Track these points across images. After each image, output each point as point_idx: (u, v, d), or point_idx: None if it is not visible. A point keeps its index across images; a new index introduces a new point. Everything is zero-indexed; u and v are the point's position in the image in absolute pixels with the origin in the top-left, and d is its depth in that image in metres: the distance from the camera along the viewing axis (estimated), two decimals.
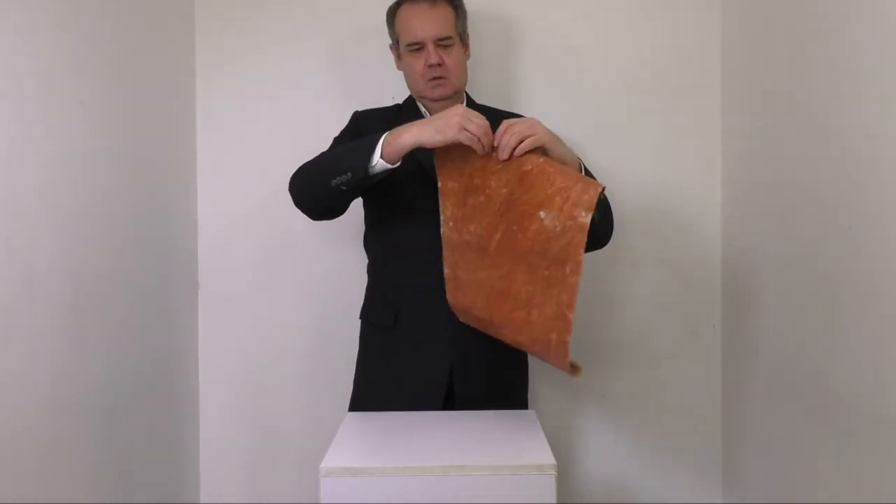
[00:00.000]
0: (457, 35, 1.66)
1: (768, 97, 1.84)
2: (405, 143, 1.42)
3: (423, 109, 1.71)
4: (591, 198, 1.37)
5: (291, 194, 1.60)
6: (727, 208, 2.09)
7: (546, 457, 1.25)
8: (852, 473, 1.48)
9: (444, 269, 1.52)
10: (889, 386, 1.35)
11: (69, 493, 1.51)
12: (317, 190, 1.52)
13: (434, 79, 1.64)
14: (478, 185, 1.45)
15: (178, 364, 2.06)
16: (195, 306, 2.15)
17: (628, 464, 2.15)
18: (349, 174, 1.44)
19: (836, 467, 1.54)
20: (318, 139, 1.79)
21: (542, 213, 1.39)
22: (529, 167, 1.42)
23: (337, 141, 1.71)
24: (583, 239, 1.34)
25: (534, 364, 2.06)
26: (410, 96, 1.74)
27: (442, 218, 1.50)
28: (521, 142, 1.41)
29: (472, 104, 1.74)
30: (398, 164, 1.44)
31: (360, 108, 1.77)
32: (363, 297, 1.78)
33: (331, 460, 1.26)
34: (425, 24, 1.61)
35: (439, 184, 1.49)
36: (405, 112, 1.70)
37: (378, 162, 1.42)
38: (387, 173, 1.45)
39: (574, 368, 1.44)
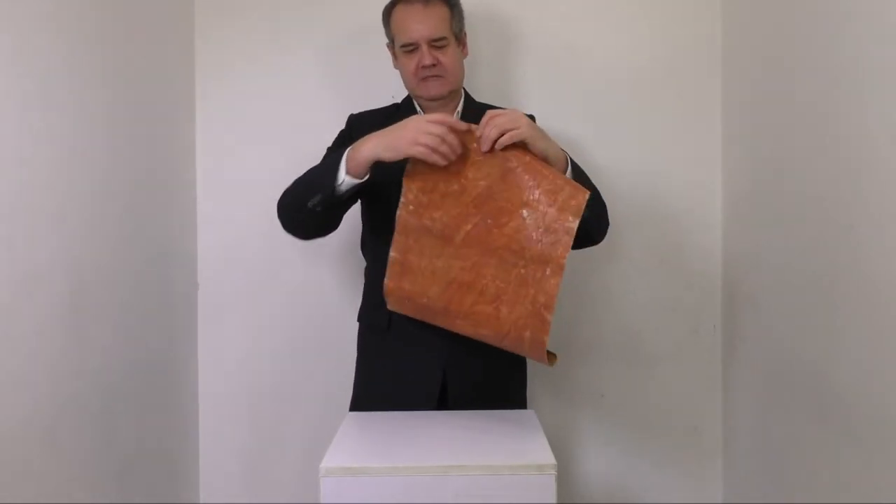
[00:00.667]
0: (452, 35, 1.64)
1: (769, 97, 1.84)
2: (364, 158, 1.42)
3: (419, 109, 1.71)
4: (580, 204, 1.39)
5: (280, 222, 1.61)
6: (727, 208, 2.09)
7: (546, 457, 1.25)
8: (852, 473, 1.48)
9: (389, 253, 1.47)
10: (889, 386, 1.35)
11: (68, 493, 1.51)
12: (297, 214, 1.54)
13: (427, 78, 1.63)
14: (452, 172, 1.43)
15: (178, 364, 2.06)
16: (194, 306, 2.14)
17: (628, 464, 2.15)
18: (320, 195, 1.45)
19: (836, 467, 1.54)
20: (317, 139, 1.78)
21: (524, 212, 1.39)
22: (514, 164, 1.41)
23: (329, 150, 1.70)
24: (569, 242, 1.36)
25: (533, 363, 2.06)
26: (409, 95, 1.74)
27: (402, 200, 1.45)
28: (503, 135, 1.41)
29: (470, 102, 1.74)
30: (367, 177, 1.44)
31: (361, 107, 1.76)
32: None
33: (330, 460, 1.26)
34: (419, 24, 1.60)
35: (408, 165, 1.45)
36: (402, 111, 1.70)
37: (345, 179, 1.43)
38: (358, 187, 1.45)
39: (550, 358, 1.44)
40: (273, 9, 2.12)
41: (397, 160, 1.42)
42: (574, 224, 1.37)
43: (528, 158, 1.43)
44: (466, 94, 1.75)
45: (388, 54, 1.75)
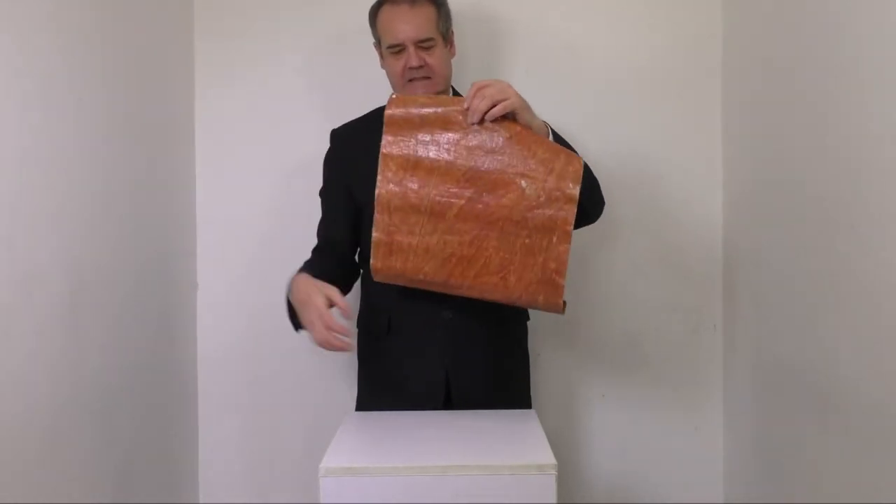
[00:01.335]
0: (439, 35, 1.63)
1: (769, 96, 1.84)
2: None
3: None
4: (577, 170, 1.40)
5: None
6: (728, 207, 2.09)
7: (546, 456, 1.25)
8: (853, 473, 1.48)
9: (372, 235, 1.44)
10: (890, 386, 1.35)
11: (68, 493, 1.51)
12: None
13: (414, 79, 1.62)
14: (437, 146, 1.42)
15: (177, 364, 2.05)
16: (194, 306, 2.14)
17: (629, 463, 2.14)
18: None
19: (837, 467, 1.54)
20: (316, 139, 1.79)
21: (522, 182, 1.39)
22: (507, 135, 1.41)
23: (324, 179, 1.73)
24: (573, 209, 1.38)
25: (535, 363, 2.06)
26: None
27: (380, 178, 1.43)
28: (493, 106, 1.40)
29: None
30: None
31: (361, 108, 1.76)
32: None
33: (330, 460, 1.25)
34: (406, 25, 1.59)
35: (382, 146, 1.43)
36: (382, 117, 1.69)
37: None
38: None
39: (564, 307, 1.47)
40: (273, 9, 2.12)
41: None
42: (575, 191, 1.39)
43: (518, 128, 1.43)
44: (455, 93, 1.75)
45: None
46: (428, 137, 1.42)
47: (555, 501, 1.21)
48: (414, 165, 1.42)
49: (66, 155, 1.52)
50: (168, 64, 2.01)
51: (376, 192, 1.43)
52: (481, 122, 1.41)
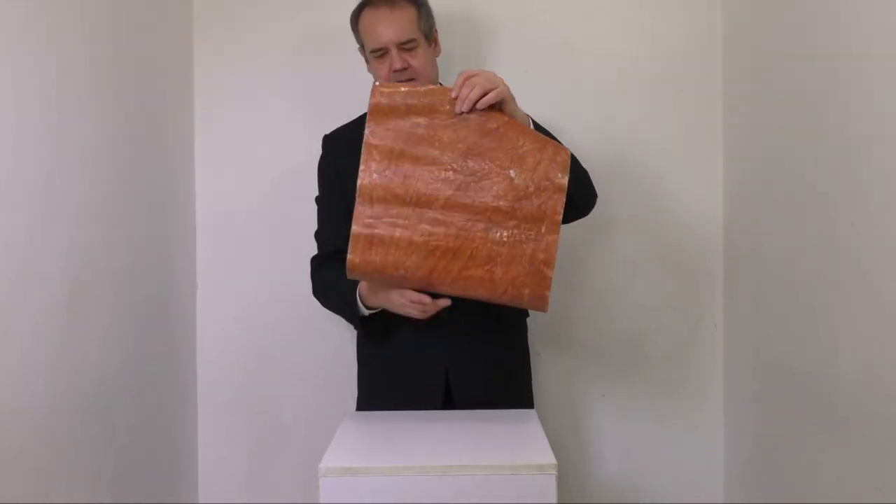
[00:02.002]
0: (422, 35, 1.63)
1: (770, 94, 1.83)
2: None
3: None
4: (565, 160, 1.40)
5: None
6: (729, 206, 2.09)
7: (546, 456, 1.24)
8: (854, 473, 1.48)
9: (351, 227, 1.40)
10: (891, 386, 1.35)
11: (67, 492, 1.50)
12: (324, 306, 1.74)
13: (399, 82, 1.60)
14: (423, 136, 1.40)
15: (177, 364, 2.05)
16: (193, 306, 2.14)
17: (629, 463, 2.14)
18: (357, 326, 1.64)
19: (838, 467, 1.54)
20: (316, 139, 1.78)
21: (511, 172, 1.38)
22: (495, 125, 1.40)
23: (319, 185, 1.74)
24: (562, 199, 1.38)
25: (535, 363, 2.06)
26: None
27: (363, 168, 1.39)
28: (483, 95, 1.39)
29: None
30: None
31: (361, 108, 1.75)
32: None
33: (330, 460, 1.25)
34: (387, 28, 1.59)
35: (367, 132, 1.41)
36: None
37: (363, 309, 1.58)
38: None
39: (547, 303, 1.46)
40: (271, 11, 2.11)
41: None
42: (564, 180, 1.39)
43: (505, 118, 1.43)
44: None
45: None
46: (414, 126, 1.40)
47: (555, 501, 1.21)
48: (399, 155, 1.40)
49: (64, 155, 1.51)
50: (167, 64, 2.01)
51: (358, 182, 1.39)
52: (471, 110, 1.40)
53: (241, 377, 2.15)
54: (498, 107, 1.43)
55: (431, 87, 1.46)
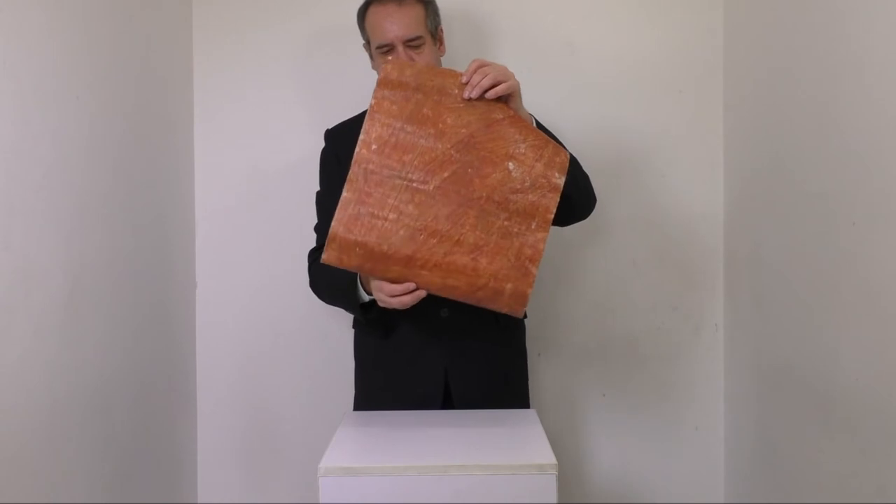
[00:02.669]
0: (428, 33, 1.63)
1: (770, 94, 1.83)
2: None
3: None
4: (564, 161, 1.40)
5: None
6: (729, 206, 2.08)
7: (547, 456, 1.24)
8: (856, 473, 1.47)
9: (343, 193, 1.37)
10: (892, 385, 1.34)
11: (66, 492, 1.50)
12: (323, 300, 1.70)
13: None
14: (427, 116, 1.39)
15: (176, 363, 2.05)
16: (193, 305, 2.13)
17: (629, 463, 2.14)
18: (362, 318, 1.60)
19: (838, 467, 1.53)
20: (315, 137, 1.78)
21: (510, 165, 1.37)
22: (500, 116, 1.40)
23: (321, 178, 1.72)
24: (556, 199, 1.37)
25: (535, 363, 2.06)
26: None
27: (363, 137, 1.37)
28: (494, 85, 1.40)
29: None
30: None
31: (360, 107, 1.75)
32: None
33: (329, 460, 1.25)
34: (393, 25, 1.59)
35: (373, 101, 1.39)
36: None
37: (363, 295, 1.53)
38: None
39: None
40: (271, 8, 2.11)
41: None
42: (560, 181, 1.38)
43: (510, 112, 1.42)
44: None
45: None
46: (420, 104, 1.39)
47: (555, 501, 1.20)
48: (400, 130, 1.38)
49: (63, 153, 1.51)
50: (166, 62, 2.00)
51: (356, 150, 1.38)
52: (478, 99, 1.40)
53: (241, 376, 2.14)
54: (504, 100, 1.43)
55: (443, 68, 1.45)
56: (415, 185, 1.37)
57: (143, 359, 1.84)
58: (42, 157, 1.44)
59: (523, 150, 1.39)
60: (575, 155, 1.53)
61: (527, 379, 1.78)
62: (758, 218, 1.90)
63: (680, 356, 2.13)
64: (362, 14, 1.66)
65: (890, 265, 1.35)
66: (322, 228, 1.71)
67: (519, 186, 1.38)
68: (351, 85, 2.06)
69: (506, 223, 1.37)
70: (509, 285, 1.38)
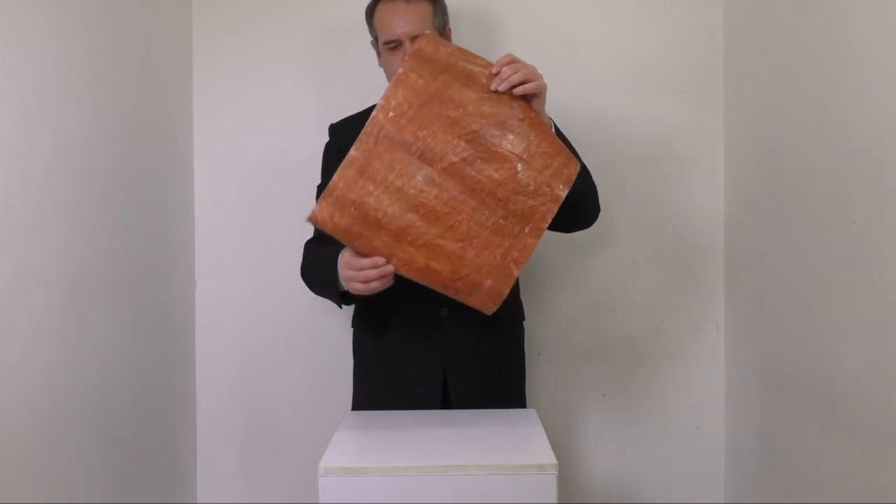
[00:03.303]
0: (435, 31, 1.63)
1: (771, 93, 1.83)
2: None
3: None
4: (571, 174, 1.39)
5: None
6: (730, 205, 2.08)
7: (547, 456, 1.24)
8: (857, 473, 1.47)
9: (350, 151, 1.35)
10: (893, 385, 1.34)
11: (65, 492, 1.50)
12: (315, 293, 1.64)
13: None
14: (451, 98, 1.37)
15: (175, 363, 2.04)
16: (192, 305, 2.13)
17: (630, 463, 2.14)
18: (340, 305, 1.57)
19: (840, 467, 1.53)
20: (315, 135, 1.78)
21: (519, 165, 1.37)
22: (521, 115, 1.39)
23: (323, 168, 1.71)
24: (554, 209, 1.37)
25: (535, 363, 2.05)
26: None
27: (382, 102, 1.35)
28: (524, 83, 1.38)
29: None
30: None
31: (359, 105, 1.75)
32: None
33: (329, 459, 1.24)
34: (401, 21, 1.59)
35: (400, 70, 1.37)
36: None
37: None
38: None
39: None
40: (271, 4, 2.10)
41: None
42: (563, 193, 1.38)
43: (532, 113, 1.41)
44: None
45: None
46: (446, 85, 1.38)
47: (555, 501, 1.20)
48: (421, 105, 1.36)
49: (63, 153, 1.51)
50: (166, 62, 2.00)
51: (374, 113, 1.36)
52: (506, 92, 1.38)
53: (240, 376, 2.14)
54: (528, 99, 1.42)
55: (476, 55, 1.42)
56: (422, 161, 1.35)
57: (142, 359, 1.84)
58: (41, 156, 1.43)
59: (534, 154, 1.38)
60: (586, 166, 1.52)
61: (524, 379, 1.78)
62: (758, 217, 1.90)
63: (680, 356, 2.12)
64: (371, 11, 1.67)
65: (891, 264, 1.35)
66: None
67: (522, 189, 1.37)
68: (351, 85, 2.06)
69: (501, 221, 1.37)
70: (489, 282, 1.38)
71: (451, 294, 1.41)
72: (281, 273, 2.12)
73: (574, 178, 1.39)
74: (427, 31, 1.42)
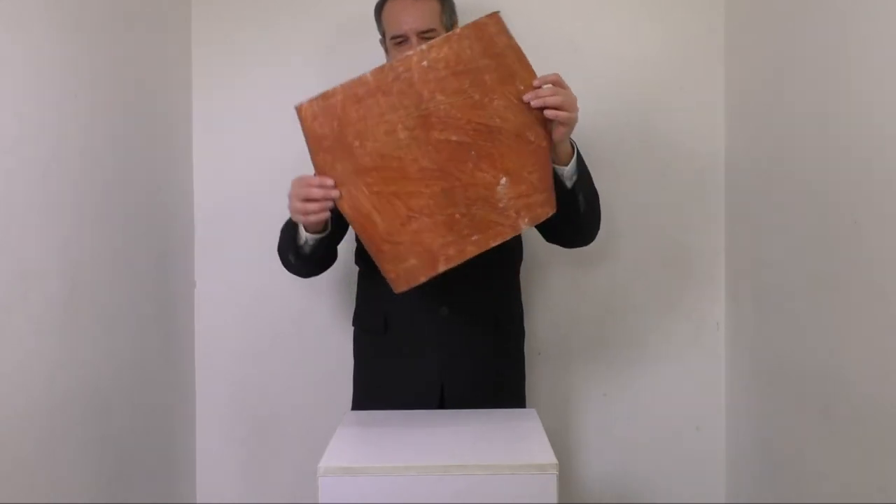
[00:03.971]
0: (443, 28, 1.64)
1: (772, 91, 1.82)
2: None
3: None
4: (541, 215, 1.39)
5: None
6: (731, 205, 2.07)
7: (547, 456, 1.23)
8: (856, 474, 1.47)
9: (367, 74, 1.33)
10: (895, 385, 1.34)
11: (64, 493, 1.49)
12: (287, 266, 1.65)
13: None
14: (483, 83, 1.35)
15: (174, 363, 2.04)
16: (191, 305, 2.13)
17: (630, 463, 2.13)
18: (292, 253, 1.56)
19: (840, 467, 1.53)
20: None
21: (503, 179, 1.36)
22: (532, 138, 1.38)
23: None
24: (508, 236, 1.38)
25: (536, 363, 2.05)
26: None
27: (423, 48, 1.33)
28: (559, 108, 1.37)
29: None
30: (327, 231, 1.49)
31: None
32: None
33: (329, 459, 1.24)
34: (409, 17, 1.61)
35: (457, 31, 1.35)
36: None
37: (306, 238, 1.50)
38: (321, 240, 1.50)
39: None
40: (271, 8, 2.10)
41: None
42: (524, 226, 1.39)
43: (545, 143, 1.40)
44: None
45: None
46: (488, 69, 1.36)
47: (556, 501, 1.20)
48: (456, 74, 1.35)
49: (62, 152, 1.50)
50: (165, 60, 2.00)
51: (409, 53, 1.34)
52: (538, 109, 1.37)
53: (240, 375, 2.14)
54: (552, 126, 1.40)
55: (527, 59, 1.40)
56: (424, 122, 1.34)
57: (141, 359, 1.83)
58: (40, 156, 1.43)
59: (524, 180, 1.37)
60: (574, 140, 1.51)
61: (524, 379, 1.77)
62: (759, 217, 1.90)
63: (682, 355, 2.12)
64: (380, 7, 1.69)
65: (892, 264, 1.34)
66: None
67: (493, 201, 1.37)
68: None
69: (457, 216, 1.36)
70: (414, 261, 1.37)
71: (371, 251, 1.40)
72: (280, 273, 2.11)
73: (542, 219, 1.40)
74: (497, 11, 1.39)
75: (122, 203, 1.74)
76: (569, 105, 1.39)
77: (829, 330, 1.56)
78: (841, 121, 1.50)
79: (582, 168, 1.51)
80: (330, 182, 1.35)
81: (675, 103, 2.09)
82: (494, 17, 1.38)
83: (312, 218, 1.40)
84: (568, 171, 1.49)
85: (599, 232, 1.63)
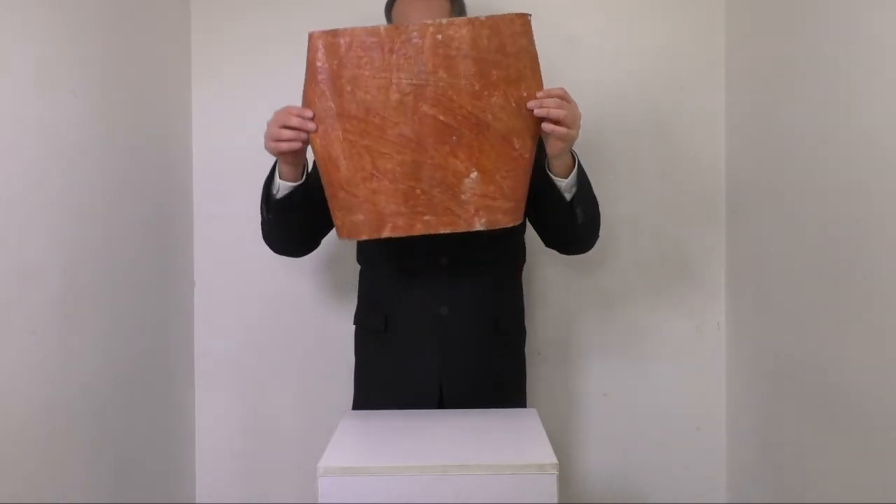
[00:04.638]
0: None
1: (773, 90, 1.82)
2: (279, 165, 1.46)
3: None
4: (500, 221, 1.39)
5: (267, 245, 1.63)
6: (731, 204, 2.07)
7: (548, 456, 1.23)
8: (857, 473, 1.47)
9: (387, 25, 1.33)
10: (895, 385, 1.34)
11: (64, 493, 1.49)
12: (262, 225, 1.57)
13: None
14: (489, 77, 1.35)
15: (174, 363, 2.04)
16: (191, 304, 2.13)
17: (631, 463, 2.13)
18: (265, 203, 1.51)
19: (841, 467, 1.52)
20: None
21: (474, 174, 1.36)
22: (518, 146, 1.38)
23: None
24: (458, 229, 1.38)
25: (536, 363, 2.05)
26: None
27: (444, 22, 1.34)
28: (558, 123, 1.36)
29: None
30: (302, 179, 1.47)
31: None
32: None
33: (328, 459, 1.24)
34: (418, 14, 1.61)
35: (483, 18, 1.35)
36: None
37: (279, 185, 1.47)
38: (295, 189, 1.47)
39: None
40: (270, 4, 2.10)
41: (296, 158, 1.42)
42: (478, 226, 1.38)
43: (528, 156, 1.40)
44: None
45: None
46: (496, 65, 1.35)
47: (556, 501, 1.20)
48: (463, 56, 1.35)
49: (61, 151, 1.50)
50: (164, 57, 2.00)
51: (433, 21, 1.34)
52: (532, 117, 1.37)
53: (239, 375, 2.13)
54: (547, 138, 1.40)
55: (539, 68, 1.40)
56: (416, 91, 1.34)
57: (140, 358, 1.83)
58: (38, 154, 1.43)
59: (497, 182, 1.37)
60: (576, 152, 1.52)
61: (524, 379, 1.77)
62: (760, 216, 1.90)
63: (682, 355, 2.12)
64: (390, 6, 1.70)
65: (893, 264, 1.34)
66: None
67: (456, 191, 1.37)
68: None
69: (418, 191, 1.37)
70: (362, 218, 1.38)
71: (327, 193, 1.41)
72: (280, 272, 2.11)
73: (499, 226, 1.39)
74: (528, 13, 1.40)
75: (121, 200, 1.74)
76: (570, 121, 1.38)
77: (830, 330, 1.56)
78: (842, 118, 1.50)
79: (582, 180, 1.50)
80: (310, 114, 1.36)
81: (675, 103, 2.09)
82: (523, 17, 1.39)
83: (283, 146, 1.39)
84: (567, 184, 1.48)
85: (599, 232, 1.63)
